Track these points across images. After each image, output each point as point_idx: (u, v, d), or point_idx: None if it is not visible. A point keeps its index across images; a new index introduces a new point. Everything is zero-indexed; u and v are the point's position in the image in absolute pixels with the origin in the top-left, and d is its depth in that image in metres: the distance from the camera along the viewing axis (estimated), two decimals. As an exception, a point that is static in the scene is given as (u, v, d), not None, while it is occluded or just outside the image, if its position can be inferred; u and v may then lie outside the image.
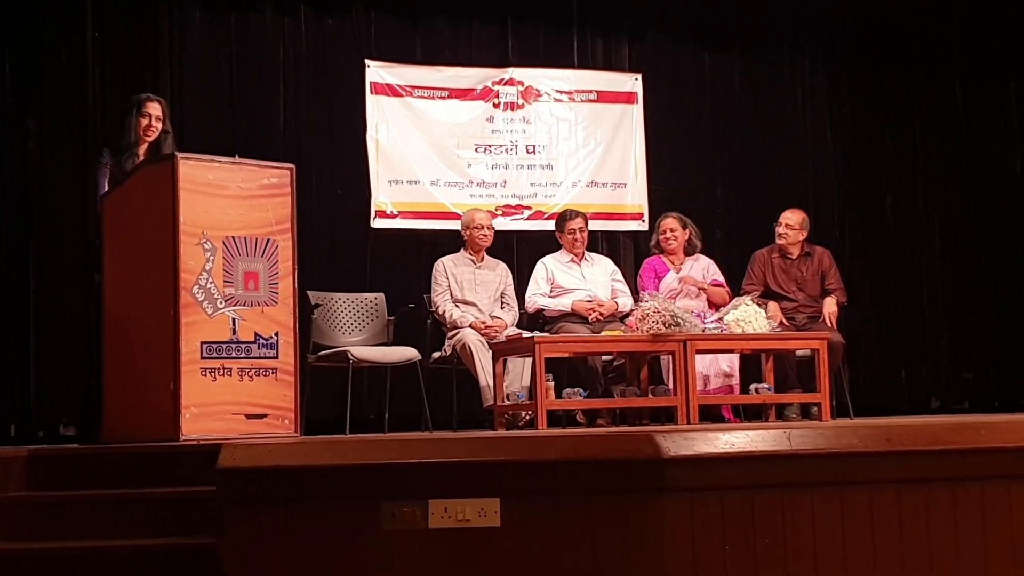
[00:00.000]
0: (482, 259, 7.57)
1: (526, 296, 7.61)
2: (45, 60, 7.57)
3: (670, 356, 6.69)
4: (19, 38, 7.53)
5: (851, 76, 9.30)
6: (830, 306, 7.51)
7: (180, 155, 5.50)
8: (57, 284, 7.44)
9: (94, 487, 4.89)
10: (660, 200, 8.66)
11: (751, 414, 7.44)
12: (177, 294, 5.39)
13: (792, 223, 7.70)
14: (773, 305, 7.45)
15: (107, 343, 5.63)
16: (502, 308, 7.54)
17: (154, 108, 6.33)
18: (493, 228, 7.60)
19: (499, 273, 7.62)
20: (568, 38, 8.80)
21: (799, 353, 7.22)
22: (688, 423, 6.36)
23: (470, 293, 7.45)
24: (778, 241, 7.72)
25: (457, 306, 7.39)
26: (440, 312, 7.38)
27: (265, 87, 8.05)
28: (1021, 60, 9.44)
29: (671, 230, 7.75)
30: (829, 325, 7.39)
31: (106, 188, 6.08)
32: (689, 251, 7.81)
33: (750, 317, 6.84)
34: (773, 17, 9.09)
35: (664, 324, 6.55)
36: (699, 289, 7.59)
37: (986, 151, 9.41)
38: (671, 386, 6.76)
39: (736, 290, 7.61)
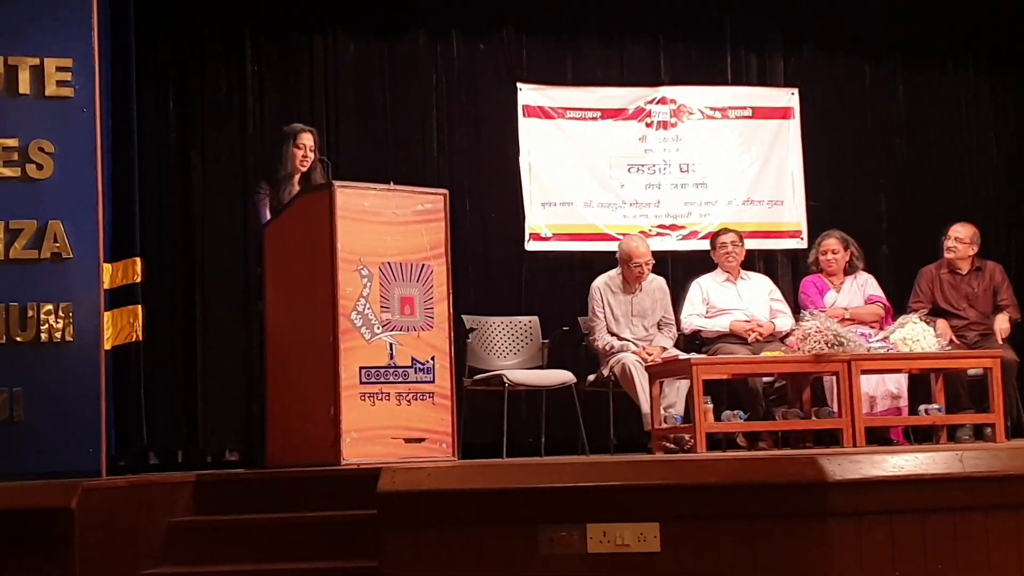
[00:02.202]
0: (640, 287, 7.50)
1: (681, 317, 7.56)
2: (206, 96, 7.82)
3: (834, 377, 6.60)
4: (182, 75, 7.80)
5: (1016, 84, 9.01)
6: (1002, 323, 7.33)
7: (336, 183, 5.63)
8: (221, 312, 7.66)
9: (259, 511, 5.02)
10: (819, 217, 8.52)
11: (921, 436, 7.24)
12: (336, 320, 5.50)
13: (962, 237, 7.52)
14: (942, 323, 7.27)
15: (269, 369, 5.77)
16: (660, 331, 7.49)
17: (307, 139, 6.49)
18: (652, 260, 7.49)
19: (657, 296, 7.55)
20: (721, 55, 8.74)
21: (971, 372, 7.02)
22: (854, 446, 6.24)
23: (626, 323, 7.42)
24: (947, 256, 7.55)
25: (613, 338, 7.35)
26: (599, 346, 7.36)
27: (418, 113, 8.18)
28: None
29: (832, 252, 7.61)
30: (1001, 343, 7.19)
31: (268, 217, 6.25)
32: (849, 271, 7.68)
33: (918, 335, 6.71)
34: (932, 25, 8.88)
35: (827, 344, 6.46)
36: (846, 320, 7.36)
37: None
38: (835, 408, 6.64)
39: (902, 308, 7.45)
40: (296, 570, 4.70)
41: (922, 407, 6.88)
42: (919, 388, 7.19)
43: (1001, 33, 8.98)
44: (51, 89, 5.56)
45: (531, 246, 8.29)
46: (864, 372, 6.55)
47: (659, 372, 6.82)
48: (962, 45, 9.00)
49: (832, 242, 7.65)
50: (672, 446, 6.83)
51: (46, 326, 5.46)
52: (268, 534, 4.87)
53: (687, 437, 6.69)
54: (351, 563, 4.61)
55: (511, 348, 7.68)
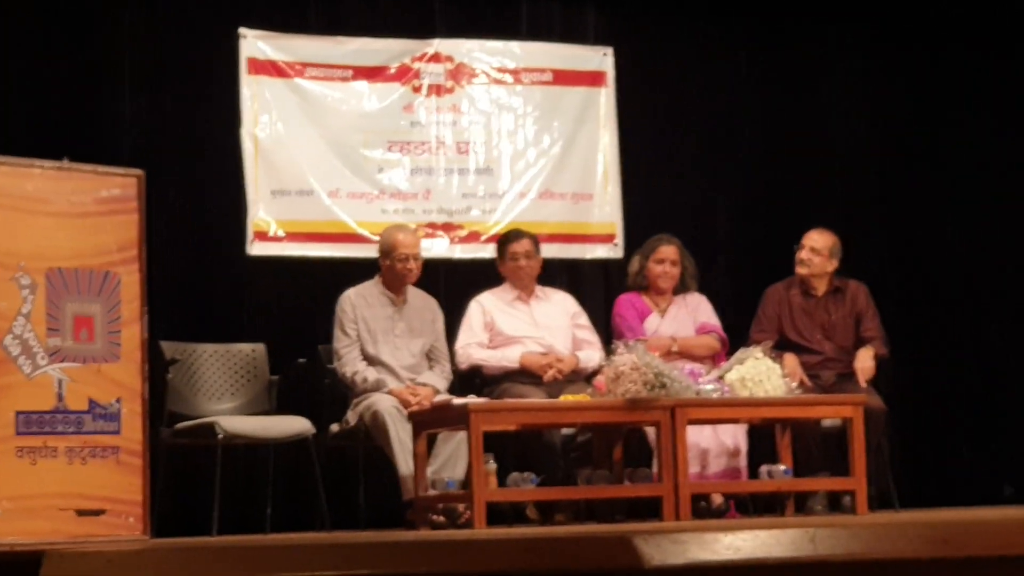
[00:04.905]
0: (404, 298, 7.59)
1: (456, 348, 7.65)
2: None
3: (654, 428, 6.73)
4: None
5: (900, 52, 9.37)
6: (865, 360, 7.62)
7: (-15, 158, 5.52)
8: None
9: None
10: (640, 218, 8.71)
11: (763, 506, 7.48)
12: (-18, 348, 5.39)
13: (818, 247, 7.82)
14: (791, 359, 7.53)
15: None
16: (431, 367, 7.55)
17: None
18: (419, 255, 7.57)
19: (428, 317, 7.62)
20: (514, 1, 8.89)
21: (826, 423, 7.30)
22: (677, 519, 6.39)
23: (386, 346, 7.45)
24: (798, 271, 7.85)
25: (368, 365, 7.40)
26: (348, 374, 7.38)
27: (104, 66, 8.06)
28: None
29: (672, 261, 7.78)
30: (864, 386, 7.49)
31: None
32: (679, 289, 7.89)
33: (761, 375, 6.89)
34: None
35: (645, 385, 6.57)
36: (672, 353, 7.54)
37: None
38: (655, 469, 6.79)
39: (741, 338, 7.70)
40: None
41: (764, 468, 7.06)
42: (762, 443, 7.43)
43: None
44: None
45: (256, 249, 8.26)
46: (692, 422, 6.70)
47: (426, 422, 6.86)
48: (830, 3, 9.29)
49: (671, 249, 7.82)
50: (441, 520, 6.87)
51: None
52: None
53: (462, 508, 6.74)
54: None
55: (228, 387, 7.62)
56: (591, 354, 7.66)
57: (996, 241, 9.43)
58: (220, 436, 6.99)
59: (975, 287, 9.44)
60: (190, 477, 7.37)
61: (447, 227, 8.62)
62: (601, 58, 8.96)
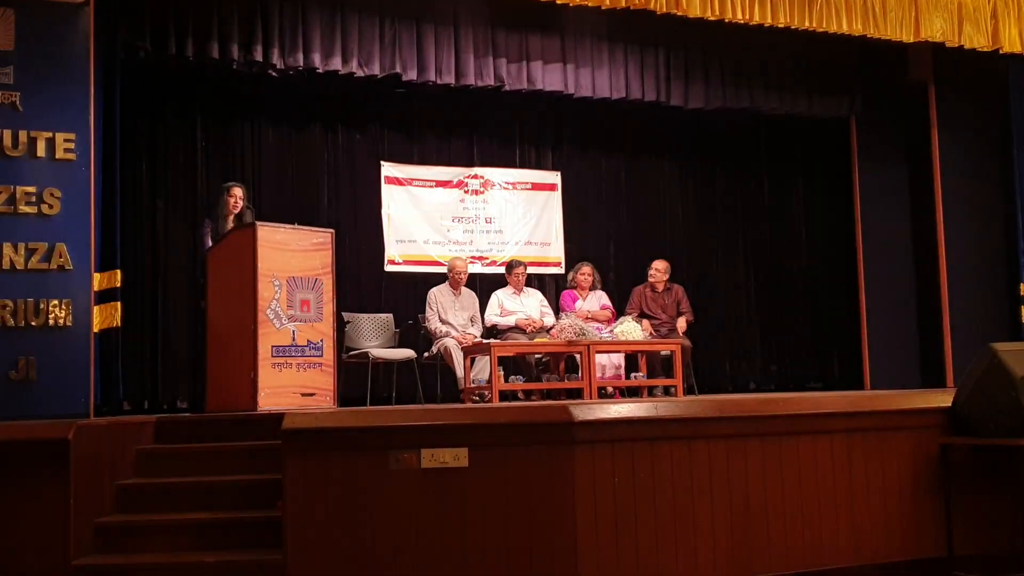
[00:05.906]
0: (460, 292, 7.59)
1: (485, 316, 7.61)
2: (169, 160, 7.54)
3: (580, 355, 6.76)
4: (152, 145, 7.49)
5: (697, 174, 9.34)
6: (682, 324, 7.66)
7: (258, 223, 5.54)
8: (176, 308, 7.37)
9: (201, 441, 4.88)
10: (572, 254, 8.68)
11: (632, 393, 7.49)
12: (256, 314, 5.41)
13: (659, 268, 7.84)
14: (645, 323, 7.50)
15: (209, 347, 5.64)
16: (472, 325, 7.54)
17: (238, 192, 6.35)
18: (467, 272, 7.60)
19: (471, 301, 7.61)
20: (512, 146, 8.84)
21: (663, 353, 7.31)
22: (591, 399, 6.41)
23: (451, 314, 7.47)
24: (650, 279, 7.84)
25: (442, 324, 7.40)
26: (431, 329, 7.39)
27: (314, 178, 8.04)
28: (806, 165, 9.53)
29: (586, 274, 7.78)
30: (681, 335, 7.51)
31: (210, 244, 6.08)
32: (591, 288, 7.87)
33: (630, 330, 6.93)
34: (646, 131, 9.13)
35: (575, 334, 6.64)
36: (587, 319, 7.51)
37: (781, 216, 9.48)
38: (580, 375, 6.82)
39: (621, 312, 7.70)
40: (227, 481, 4.60)
41: (632, 374, 7.13)
42: (631, 363, 7.44)
43: (687, 135, 9.18)
44: (60, 154, 5.49)
45: (388, 268, 8.23)
46: (598, 352, 6.75)
47: (470, 351, 6.89)
48: (662, 146, 9.26)
49: (587, 268, 7.82)
50: (477, 399, 6.87)
51: (53, 315, 5.34)
52: (208, 456, 4.75)
53: (487, 393, 6.75)
54: (264, 476, 4.54)
55: (374, 334, 7.60)
56: (549, 320, 7.60)
57: (743, 263, 9.34)
58: (370, 358, 7.01)
59: (732, 286, 9.34)
60: (356, 378, 7.36)
61: (480, 258, 8.56)
62: (555, 176, 8.91)
